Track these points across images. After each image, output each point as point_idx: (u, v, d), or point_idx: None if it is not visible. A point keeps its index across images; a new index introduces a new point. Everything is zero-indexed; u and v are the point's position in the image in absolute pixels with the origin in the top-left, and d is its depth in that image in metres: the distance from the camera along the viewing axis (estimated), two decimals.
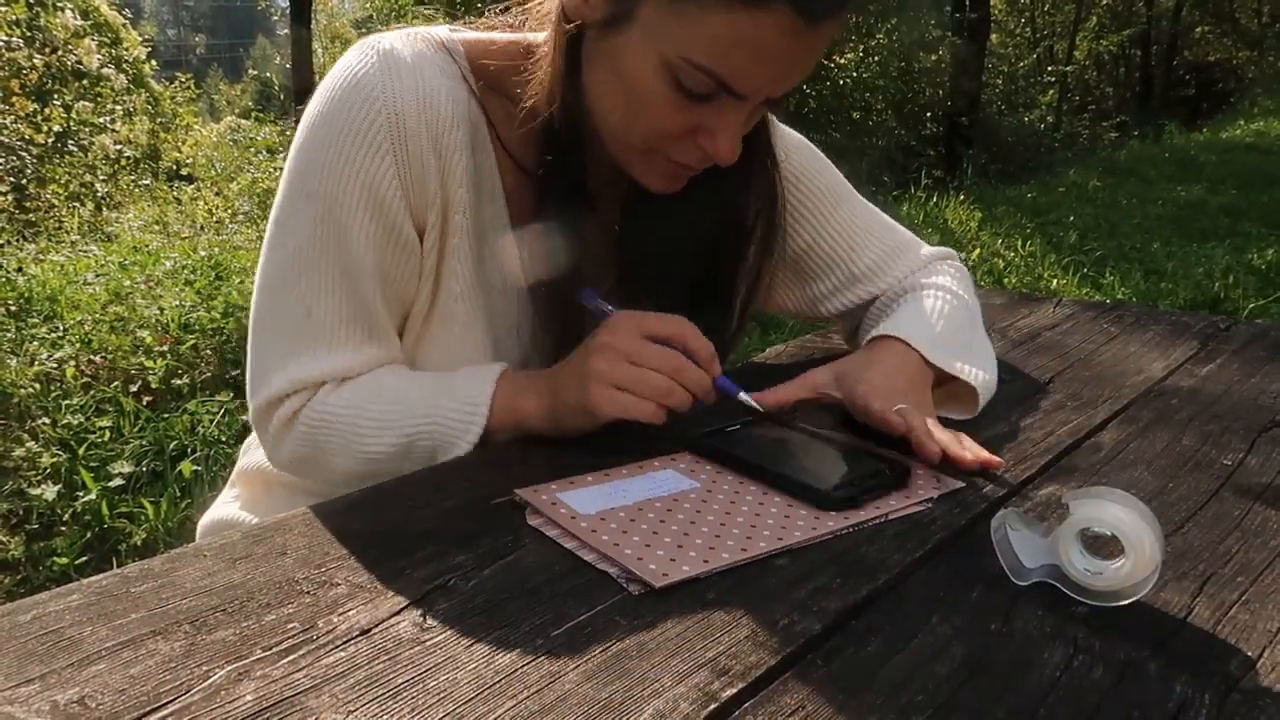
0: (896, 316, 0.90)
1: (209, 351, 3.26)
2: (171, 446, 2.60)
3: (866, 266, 0.99)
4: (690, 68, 0.68)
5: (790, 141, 0.95)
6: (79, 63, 7.49)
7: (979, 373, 0.84)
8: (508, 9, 0.83)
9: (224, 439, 2.69)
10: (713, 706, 0.45)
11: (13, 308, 3.60)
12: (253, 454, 0.96)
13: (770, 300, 1.01)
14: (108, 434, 2.67)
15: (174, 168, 9.68)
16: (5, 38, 6.57)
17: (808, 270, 1.00)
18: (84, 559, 2.16)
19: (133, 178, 8.27)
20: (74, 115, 7.36)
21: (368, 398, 0.78)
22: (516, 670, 0.48)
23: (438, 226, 0.79)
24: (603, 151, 0.79)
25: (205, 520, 0.98)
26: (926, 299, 0.94)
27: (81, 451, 2.55)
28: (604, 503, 0.66)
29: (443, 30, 0.82)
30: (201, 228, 5.99)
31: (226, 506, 0.98)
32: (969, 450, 0.73)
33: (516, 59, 0.79)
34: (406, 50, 0.76)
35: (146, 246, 5.12)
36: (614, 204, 0.87)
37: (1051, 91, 15.58)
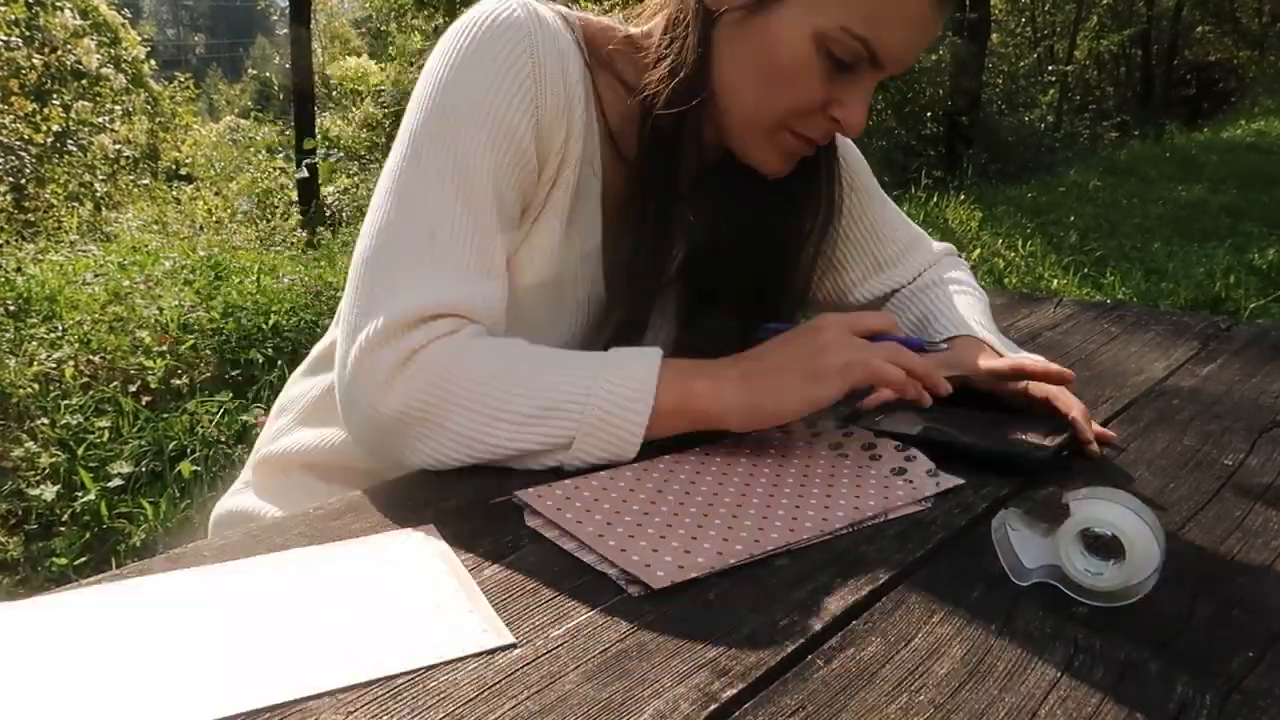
0: (953, 315, 0.95)
1: (208, 351, 3.26)
2: (171, 447, 2.60)
3: (890, 256, 1.04)
4: (848, 37, 0.73)
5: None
6: (78, 62, 7.49)
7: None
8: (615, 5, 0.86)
9: (223, 439, 2.69)
10: (713, 707, 0.45)
11: (12, 308, 3.60)
12: (277, 441, 0.96)
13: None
14: (107, 434, 2.67)
15: (173, 167, 9.69)
16: (4, 37, 6.57)
17: (838, 260, 1.03)
18: (83, 559, 2.16)
19: (132, 177, 8.28)
20: (73, 115, 7.36)
21: (517, 358, 0.71)
22: (516, 670, 0.48)
23: (552, 176, 0.80)
24: (703, 142, 0.82)
25: (219, 510, 0.98)
26: (959, 295, 0.99)
27: (80, 452, 2.55)
28: (604, 504, 0.66)
29: (559, 4, 0.84)
30: (201, 227, 5.99)
31: (240, 496, 0.97)
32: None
33: (621, 44, 0.83)
34: (542, 11, 0.79)
35: (146, 246, 5.12)
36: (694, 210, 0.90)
37: (1052, 91, 15.58)
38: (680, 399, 0.72)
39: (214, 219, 6.52)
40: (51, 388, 2.91)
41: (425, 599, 0.53)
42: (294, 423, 0.94)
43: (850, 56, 0.74)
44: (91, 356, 3.13)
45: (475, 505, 0.67)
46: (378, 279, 0.72)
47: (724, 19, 0.77)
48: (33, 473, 2.46)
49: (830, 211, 0.93)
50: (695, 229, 0.89)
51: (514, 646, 0.49)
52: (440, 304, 0.70)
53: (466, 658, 0.48)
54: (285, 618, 0.51)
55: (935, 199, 6.86)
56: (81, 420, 2.72)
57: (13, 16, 6.74)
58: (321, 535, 0.62)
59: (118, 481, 2.43)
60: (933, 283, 1.03)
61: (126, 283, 3.92)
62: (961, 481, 0.71)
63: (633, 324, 0.87)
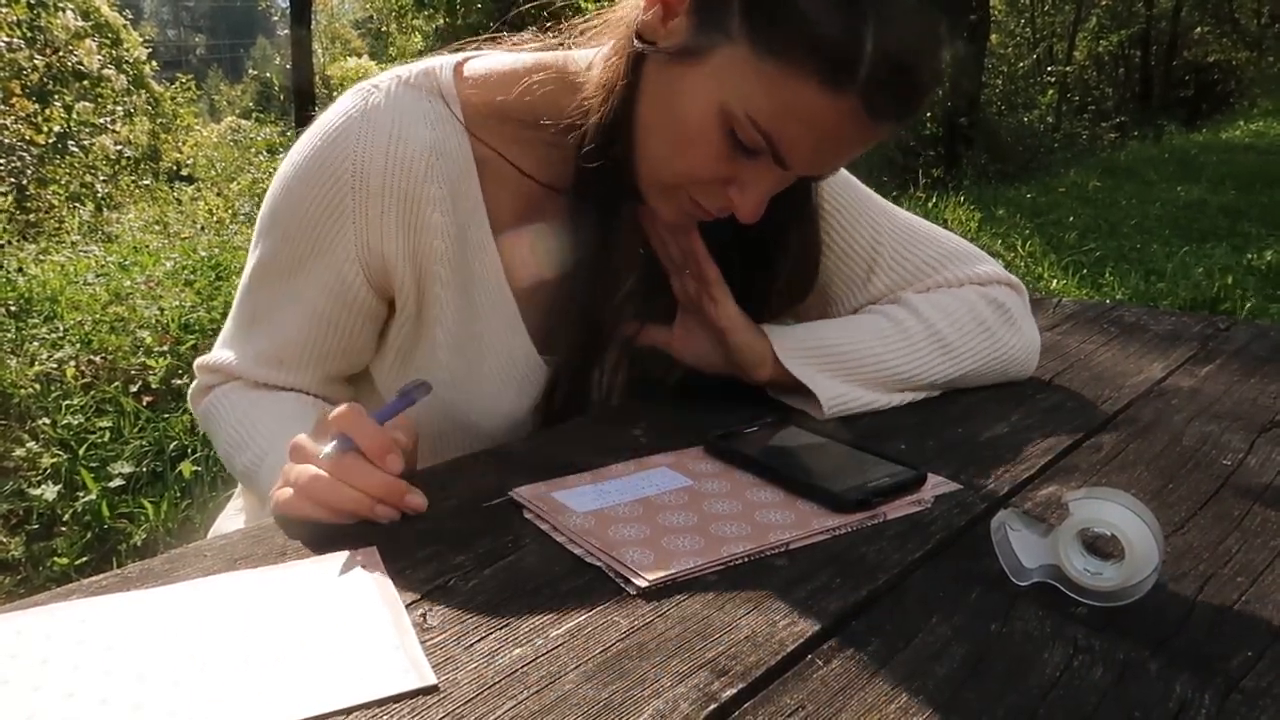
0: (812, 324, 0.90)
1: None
2: (172, 447, 2.60)
3: (885, 285, 0.94)
4: (749, 124, 0.68)
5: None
6: (79, 63, 7.49)
7: (832, 385, 0.83)
8: (550, 29, 0.83)
9: None
10: (713, 707, 0.45)
11: (13, 308, 3.60)
12: None
13: (792, 316, 0.98)
14: (108, 434, 2.67)
15: (174, 168, 9.68)
16: (6, 38, 6.57)
17: (830, 294, 0.96)
18: (84, 559, 2.16)
19: (133, 178, 8.28)
20: (74, 116, 7.36)
21: (243, 412, 0.83)
22: (516, 670, 0.48)
23: (415, 280, 0.80)
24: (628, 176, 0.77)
25: (212, 534, 0.98)
26: (870, 314, 0.90)
27: (82, 452, 2.55)
28: (599, 502, 0.66)
29: (447, 66, 0.81)
30: (202, 228, 5.98)
31: (231, 520, 0.98)
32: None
33: (534, 78, 0.78)
34: (392, 104, 0.77)
35: (147, 247, 5.12)
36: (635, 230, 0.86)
37: (1051, 92, 15.58)
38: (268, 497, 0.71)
39: (215, 219, 6.52)
40: (53, 388, 2.91)
41: (351, 633, 0.51)
42: None
43: (752, 144, 0.69)
44: (93, 357, 3.13)
45: (474, 505, 0.67)
46: (228, 323, 0.88)
47: (653, 57, 0.72)
48: (34, 473, 2.46)
49: (803, 264, 0.88)
50: (649, 268, 0.86)
51: (435, 689, 0.46)
52: (227, 368, 0.86)
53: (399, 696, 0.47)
54: (203, 652, 0.49)
55: (934, 199, 6.85)
56: (82, 420, 2.72)
57: (14, 17, 6.74)
58: (321, 536, 0.62)
59: (119, 481, 2.43)
60: (895, 301, 0.93)
61: (128, 283, 3.92)
62: (960, 487, 0.71)
63: (580, 364, 0.85)
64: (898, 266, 0.93)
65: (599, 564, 0.58)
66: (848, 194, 0.93)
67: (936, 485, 0.70)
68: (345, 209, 0.77)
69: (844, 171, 0.93)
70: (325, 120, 0.79)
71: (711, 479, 0.71)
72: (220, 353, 0.87)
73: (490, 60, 0.83)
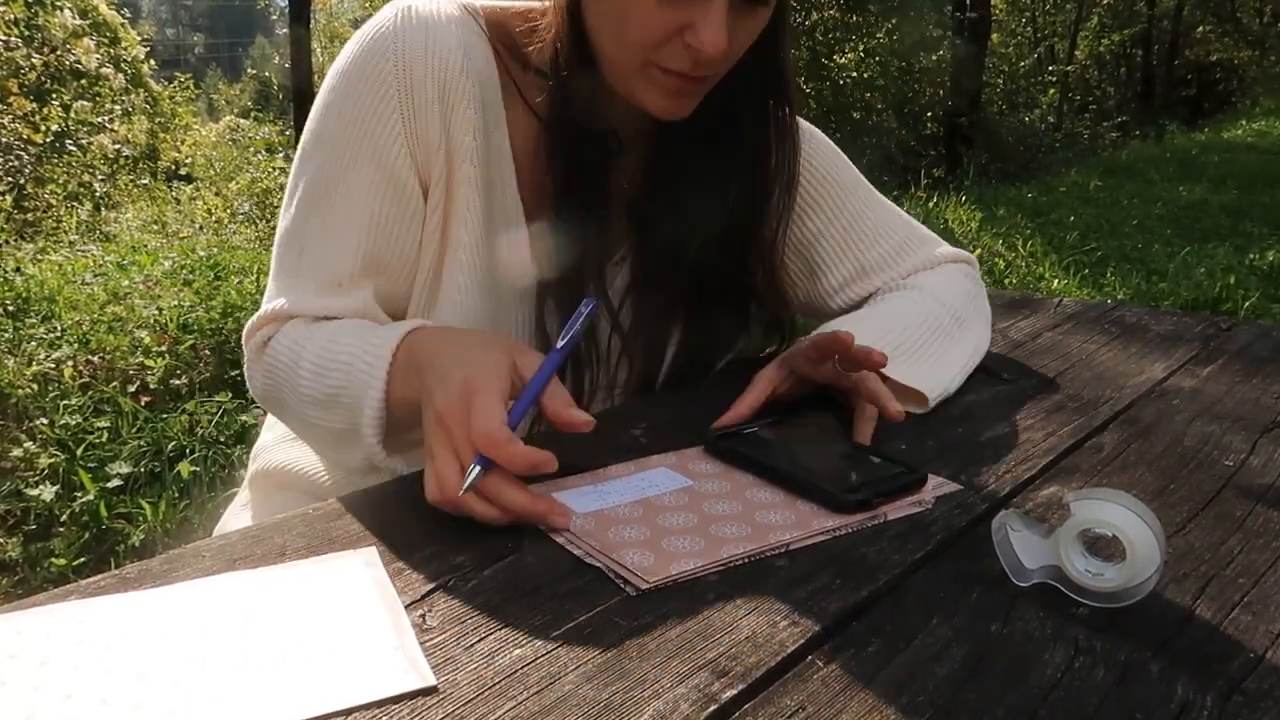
0: (858, 315, 0.92)
1: (208, 352, 3.25)
2: (170, 447, 2.59)
3: (876, 259, 0.99)
4: None
5: (801, 128, 0.96)
6: (77, 62, 7.49)
7: (924, 376, 0.85)
8: None
9: (223, 439, 2.69)
10: (713, 707, 0.45)
11: (10, 308, 3.60)
12: (265, 456, 0.96)
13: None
14: (106, 434, 2.67)
15: (173, 167, 9.68)
16: (4, 37, 6.57)
17: (818, 261, 0.99)
18: (82, 560, 2.16)
19: (131, 177, 8.28)
20: (72, 115, 7.36)
21: (312, 336, 0.78)
22: (516, 670, 0.48)
23: (444, 177, 0.81)
24: (619, 106, 0.81)
25: (218, 532, 0.98)
26: (899, 300, 0.95)
27: (79, 452, 2.54)
28: (599, 503, 0.66)
29: None
30: (200, 227, 5.99)
31: (238, 516, 0.98)
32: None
33: (518, 21, 0.82)
34: (427, 8, 0.80)
35: (145, 246, 5.12)
36: (630, 179, 0.88)
37: (1052, 91, 15.58)
38: (404, 391, 0.71)
39: (214, 219, 6.52)
40: (50, 388, 2.91)
41: (351, 633, 0.51)
42: (289, 434, 0.93)
43: None
44: (91, 357, 3.12)
45: None
46: (270, 282, 0.84)
47: None
48: (31, 473, 2.46)
49: (787, 204, 0.91)
50: (642, 215, 0.88)
51: (435, 690, 0.46)
52: (285, 311, 0.81)
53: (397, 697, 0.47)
54: (203, 653, 0.49)
55: (935, 199, 6.85)
56: (80, 420, 2.72)
57: (12, 16, 6.73)
58: (320, 536, 0.62)
59: (117, 482, 2.43)
60: (900, 287, 0.98)
61: (126, 283, 3.92)
62: (960, 487, 0.70)
63: (581, 273, 0.85)
64: (882, 240, 1.00)
65: (599, 565, 0.58)
66: (837, 171, 0.99)
67: (938, 485, 0.70)
68: (391, 99, 0.78)
69: (836, 152, 0.99)
70: (362, 32, 0.81)
71: (712, 479, 0.70)
72: (272, 303, 0.82)
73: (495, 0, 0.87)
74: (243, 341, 0.85)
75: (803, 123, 0.97)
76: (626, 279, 0.91)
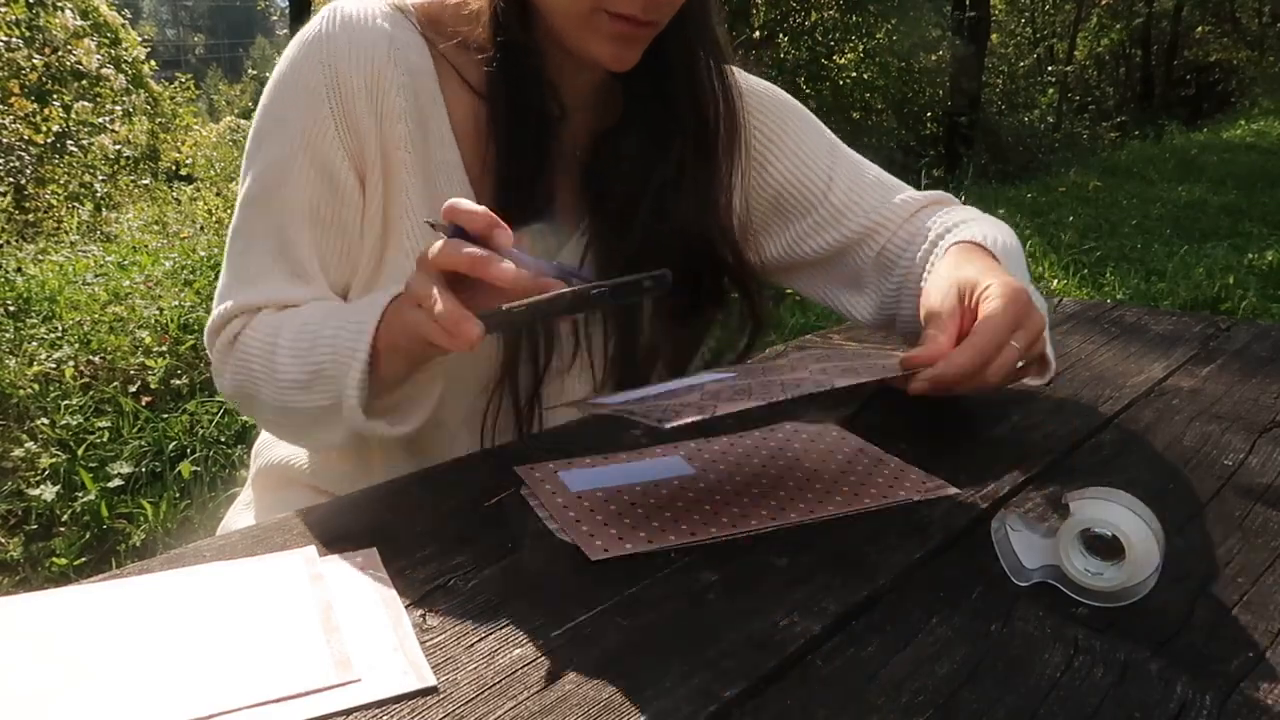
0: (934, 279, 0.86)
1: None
2: (171, 447, 2.60)
3: (845, 199, 0.96)
4: None
5: (754, 80, 0.98)
6: (78, 63, 7.49)
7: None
8: None
9: (223, 439, 2.69)
10: (713, 707, 0.45)
11: (11, 308, 3.60)
12: (266, 454, 0.96)
13: (755, 249, 0.99)
14: (107, 434, 2.67)
15: (173, 168, 9.67)
16: (5, 38, 6.57)
17: (788, 208, 0.98)
18: (83, 560, 2.16)
19: (132, 178, 8.27)
20: (73, 115, 7.35)
21: (286, 321, 0.80)
22: (516, 670, 0.48)
23: (379, 165, 0.83)
24: (556, 73, 0.82)
25: (221, 532, 0.98)
26: (983, 225, 0.92)
27: (80, 452, 2.55)
28: (592, 483, 0.67)
29: None
30: (201, 228, 5.98)
31: (241, 515, 0.98)
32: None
33: (453, 8, 0.84)
34: (356, 9, 0.83)
35: (146, 247, 5.12)
36: (580, 150, 0.89)
37: (1051, 91, 15.58)
38: (388, 349, 0.73)
39: (214, 219, 6.51)
40: (51, 388, 2.91)
41: (351, 633, 0.51)
42: None
43: None
44: (91, 357, 3.13)
45: (474, 505, 0.67)
46: (225, 272, 0.86)
47: None
48: (32, 473, 2.46)
49: (733, 136, 0.90)
50: (592, 177, 0.88)
51: (435, 690, 0.46)
52: (248, 305, 0.82)
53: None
54: (200, 650, 0.49)
55: None
56: (81, 420, 2.72)
57: (13, 17, 6.73)
58: (321, 536, 0.62)
59: (118, 482, 2.43)
60: (935, 233, 0.93)
61: (126, 283, 3.92)
62: (957, 490, 0.70)
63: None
64: (854, 187, 0.97)
65: (562, 536, 0.60)
66: (801, 123, 0.98)
67: (935, 488, 0.69)
68: (320, 95, 0.81)
69: (792, 104, 1.00)
70: (297, 37, 0.84)
71: (714, 466, 0.71)
72: (235, 297, 0.83)
73: None
74: (206, 343, 0.86)
75: (753, 78, 0.98)
76: (586, 252, 0.90)
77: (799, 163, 0.97)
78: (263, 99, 0.85)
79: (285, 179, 0.82)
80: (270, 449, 0.95)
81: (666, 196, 0.88)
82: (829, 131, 1.01)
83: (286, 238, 0.83)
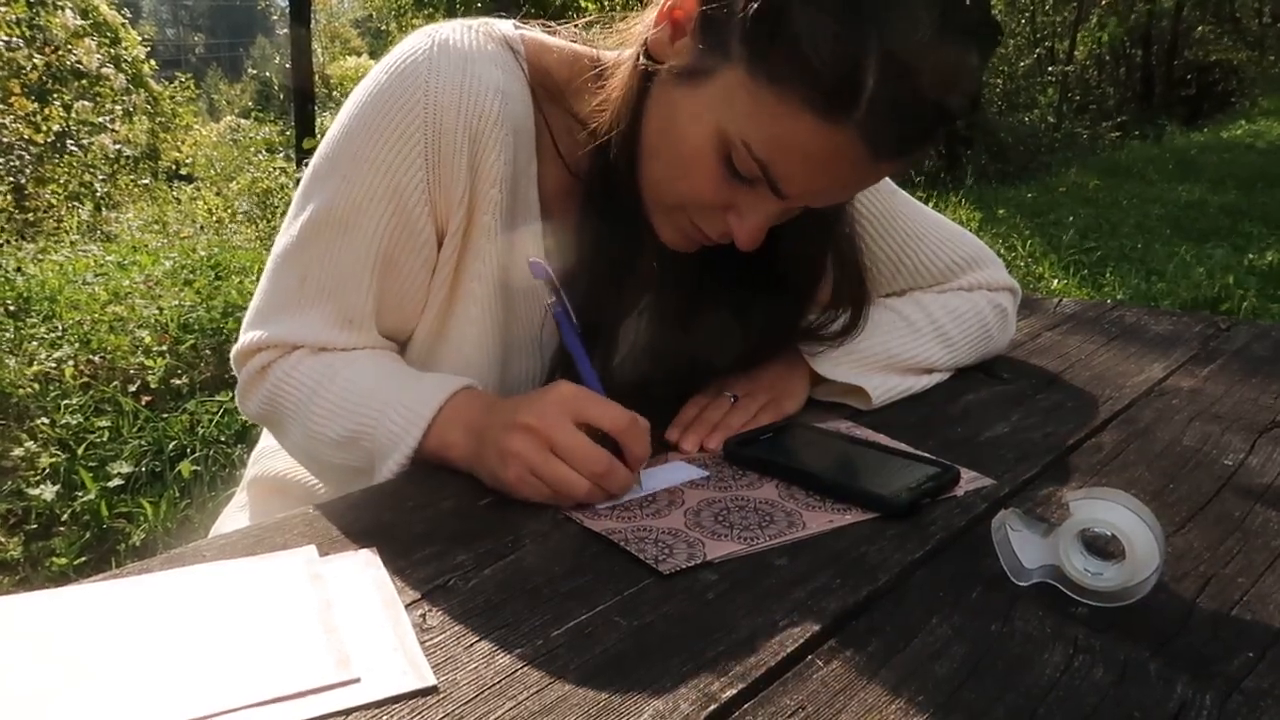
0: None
1: (208, 351, 3.25)
2: (171, 447, 2.59)
3: (928, 279, 0.98)
4: (745, 151, 0.66)
5: None
6: (78, 62, 7.48)
7: (872, 379, 0.87)
8: (593, 24, 0.80)
9: (223, 439, 2.69)
10: (713, 707, 0.45)
11: (11, 308, 3.60)
12: (264, 461, 0.95)
13: None
14: (107, 434, 2.67)
15: (173, 167, 9.67)
16: (5, 37, 6.57)
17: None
18: (83, 559, 2.16)
19: (132, 177, 8.27)
20: (73, 115, 7.35)
21: (332, 376, 0.76)
22: (516, 670, 0.48)
23: (462, 228, 0.77)
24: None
25: (215, 533, 0.98)
26: (899, 313, 0.93)
27: (80, 451, 2.55)
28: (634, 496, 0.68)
29: (508, 25, 0.80)
30: (201, 227, 5.99)
31: (235, 517, 0.97)
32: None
33: (581, 71, 0.77)
34: (464, 41, 0.75)
35: (146, 246, 5.12)
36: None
37: (1051, 91, 15.57)
38: (441, 448, 0.72)
39: (214, 219, 6.51)
40: (51, 387, 2.91)
41: (351, 633, 0.51)
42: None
43: (748, 172, 0.67)
44: (91, 356, 3.12)
45: (474, 505, 0.67)
46: (260, 300, 0.81)
47: (661, 75, 0.70)
48: (32, 472, 2.46)
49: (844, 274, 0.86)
50: (665, 271, 0.83)
51: (435, 690, 0.46)
52: (286, 340, 0.78)
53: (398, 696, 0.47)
54: (199, 649, 0.49)
55: (934, 199, 6.85)
56: (81, 420, 2.72)
57: (13, 16, 6.73)
58: (321, 536, 0.62)
59: (117, 481, 2.43)
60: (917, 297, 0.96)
61: (126, 282, 3.92)
62: (993, 481, 0.71)
63: (596, 328, 0.81)
64: (922, 271, 0.98)
65: (630, 550, 0.59)
66: (878, 201, 0.93)
67: (970, 480, 0.71)
68: (416, 143, 0.73)
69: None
70: (392, 58, 0.75)
71: (725, 471, 0.73)
72: (270, 327, 0.79)
73: (542, 34, 0.82)
74: (234, 363, 0.82)
75: None
76: (645, 332, 0.88)
77: (872, 263, 0.94)
78: (344, 118, 0.76)
79: (358, 219, 0.75)
80: (269, 458, 0.95)
81: (734, 302, 0.84)
82: (903, 197, 0.96)
83: (347, 280, 0.77)
